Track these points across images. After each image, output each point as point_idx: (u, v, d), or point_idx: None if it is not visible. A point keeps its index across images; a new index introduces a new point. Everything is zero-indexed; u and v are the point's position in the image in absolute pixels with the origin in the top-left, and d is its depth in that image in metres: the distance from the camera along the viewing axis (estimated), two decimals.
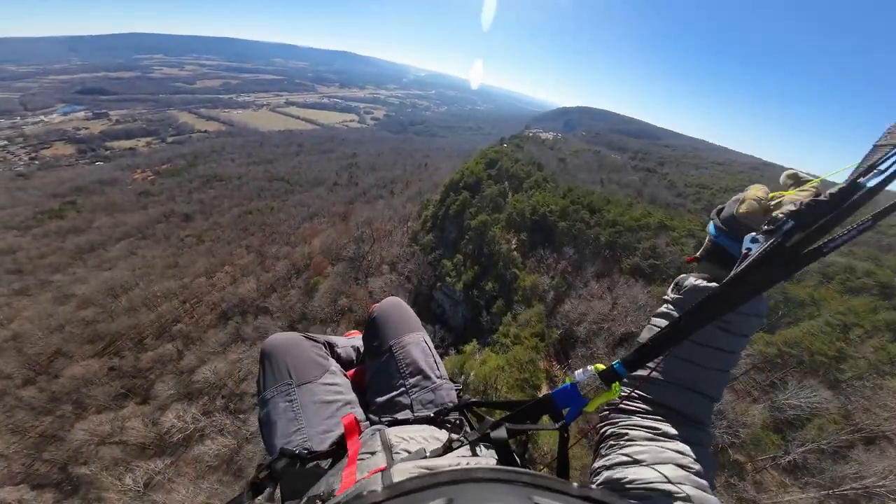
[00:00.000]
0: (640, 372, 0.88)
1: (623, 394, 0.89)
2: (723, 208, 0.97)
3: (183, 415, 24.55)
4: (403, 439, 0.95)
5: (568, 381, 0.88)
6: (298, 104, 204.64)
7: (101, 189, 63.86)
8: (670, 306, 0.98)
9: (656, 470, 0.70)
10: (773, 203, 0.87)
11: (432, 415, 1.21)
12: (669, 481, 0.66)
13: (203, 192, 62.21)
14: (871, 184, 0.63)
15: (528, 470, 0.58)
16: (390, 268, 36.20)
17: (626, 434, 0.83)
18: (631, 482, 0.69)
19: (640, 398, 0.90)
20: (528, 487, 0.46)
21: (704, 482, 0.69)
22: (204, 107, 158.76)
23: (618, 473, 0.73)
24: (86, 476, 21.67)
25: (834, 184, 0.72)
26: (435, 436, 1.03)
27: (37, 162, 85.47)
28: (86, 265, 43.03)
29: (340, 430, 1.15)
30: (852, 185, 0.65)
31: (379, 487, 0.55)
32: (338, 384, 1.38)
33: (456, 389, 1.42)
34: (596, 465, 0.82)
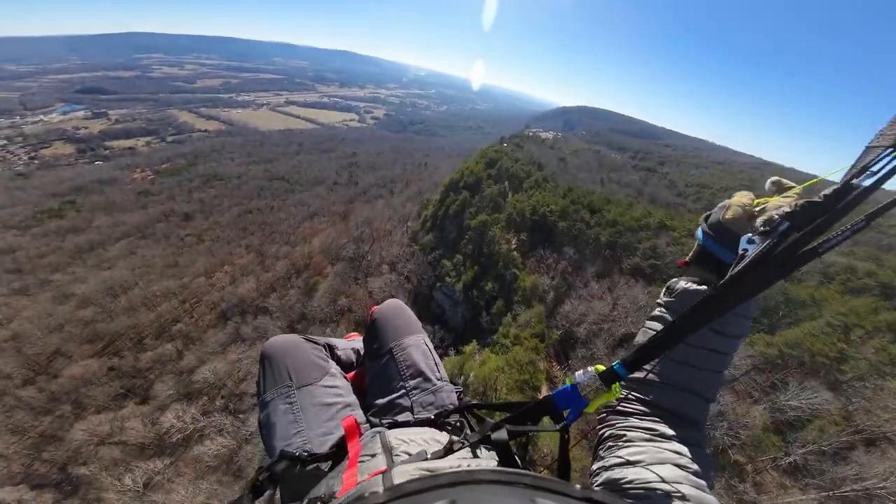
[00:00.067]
0: (636, 374, 0.90)
1: (620, 396, 0.90)
2: (710, 214, 1.00)
3: (182, 415, 24.53)
4: (404, 441, 0.95)
5: (568, 383, 0.89)
6: (298, 103, 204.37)
7: (101, 188, 63.81)
8: (663, 309, 1.00)
9: (654, 470, 0.70)
10: (756, 209, 0.88)
11: (433, 417, 1.21)
12: (667, 481, 0.67)
13: (203, 191, 62.16)
14: (865, 185, 0.65)
15: (529, 471, 0.58)
16: (390, 268, 36.15)
17: (624, 435, 0.84)
18: (630, 482, 0.70)
19: (637, 400, 0.92)
20: (530, 489, 0.46)
21: (702, 482, 0.70)
22: (204, 106, 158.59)
23: (616, 474, 0.73)
24: (85, 476, 21.66)
25: (833, 183, 0.73)
26: (435, 438, 1.03)
27: (36, 161, 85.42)
28: (85, 265, 43.01)
29: (340, 433, 1.14)
30: (846, 187, 0.66)
31: (380, 489, 0.55)
32: (338, 386, 1.37)
33: (456, 391, 1.42)
34: (595, 466, 0.83)
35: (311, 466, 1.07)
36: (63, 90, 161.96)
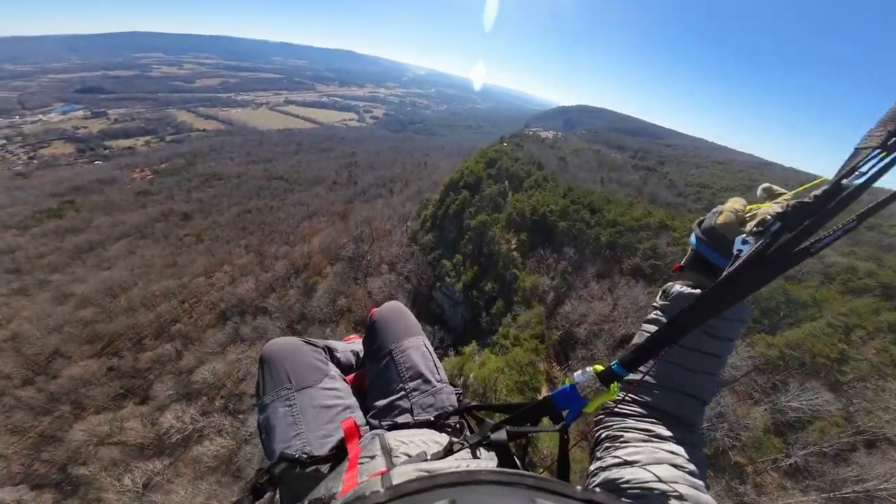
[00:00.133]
0: (632, 376, 0.92)
1: (618, 397, 0.92)
2: (703, 219, 1.02)
3: (182, 415, 24.50)
4: (403, 443, 0.95)
5: (567, 383, 0.90)
6: (297, 103, 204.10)
7: (100, 188, 63.73)
8: (659, 312, 1.01)
9: (651, 470, 0.71)
10: (748, 215, 0.90)
11: (432, 419, 1.21)
12: (665, 481, 0.68)
13: (202, 191, 62.06)
14: (854, 185, 0.66)
15: (531, 472, 0.58)
16: (389, 268, 36.08)
17: (621, 436, 0.85)
18: (627, 482, 0.71)
19: (634, 402, 0.93)
20: (531, 490, 0.46)
21: (700, 482, 0.70)
22: (203, 105, 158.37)
23: (614, 474, 0.74)
24: (85, 476, 21.64)
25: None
26: (435, 439, 1.03)
27: (35, 161, 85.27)
28: (84, 265, 42.95)
29: (340, 435, 1.15)
30: (836, 187, 0.67)
31: (381, 489, 0.55)
32: (337, 389, 1.38)
33: (456, 393, 1.43)
34: (592, 467, 0.83)
35: (310, 468, 1.08)
36: (62, 90, 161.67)
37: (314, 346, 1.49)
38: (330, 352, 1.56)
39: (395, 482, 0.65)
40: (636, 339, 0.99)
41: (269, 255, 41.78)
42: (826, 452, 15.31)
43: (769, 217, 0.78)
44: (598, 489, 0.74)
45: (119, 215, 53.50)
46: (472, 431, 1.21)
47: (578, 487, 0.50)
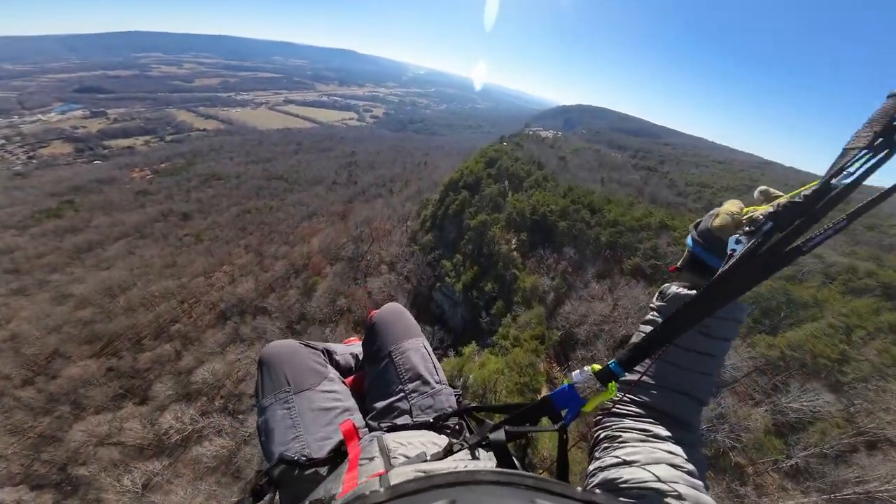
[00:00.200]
0: (630, 376, 0.93)
1: (616, 397, 0.92)
2: (700, 222, 1.03)
3: (181, 416, 24.48)
4: (402, 444, 0.96)
5: (566, 383, 0.90)
6: (297, 102, 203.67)
7: (99, 188, 63.58)
8: (656, 314, 1.02)
9: (650, 470, 0.71)
10: (745, 218, 0.91)
11: (431, 420, 1.22)
12: (663, 480, 0.68)
13: (201, 190, 61.94)
14: (843, 185, 0.67)
15: (530, 473, 0.59)
16: (389, 268, 36.03)
17: (620, 437, 0.85)
18: (626, 482, 0.71)
19: (632, 401, 0.93)
20: (531, 490, 0.46)
21: (699, 482, 0.71)
22: (202, 105, 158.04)
23: (612, 474, 0.75)
24: (84, 477, 21.62)
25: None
26: (434, 441, 1.04)
27: (34, 161, 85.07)
28: (84, 265, 42.86)
29: (339, 437, 1.16)
30: (825, 187, 0.68)
31: (381, 489, 0.55)
32: (336, 391, 1.38)
33: (455, 395, 1.44)
34: (591, 467, 0.84)
35: (309, 471, 1.09)
36: (61, 89, 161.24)
37: (313, 348, 1.49)
38: (329, 354, 1.56)
39: (392, 483, 0.64)
40: (633, 340, 0.99)
41: (268, 255, 41.73)
42: (827, 454, 15.25)
43: (760, 217, 0.79)
44: (597, 489, 0.74)
45: (118, 215, 53.39)
46: (471, 433, 1.20)
47: (578, 488, 0.50)
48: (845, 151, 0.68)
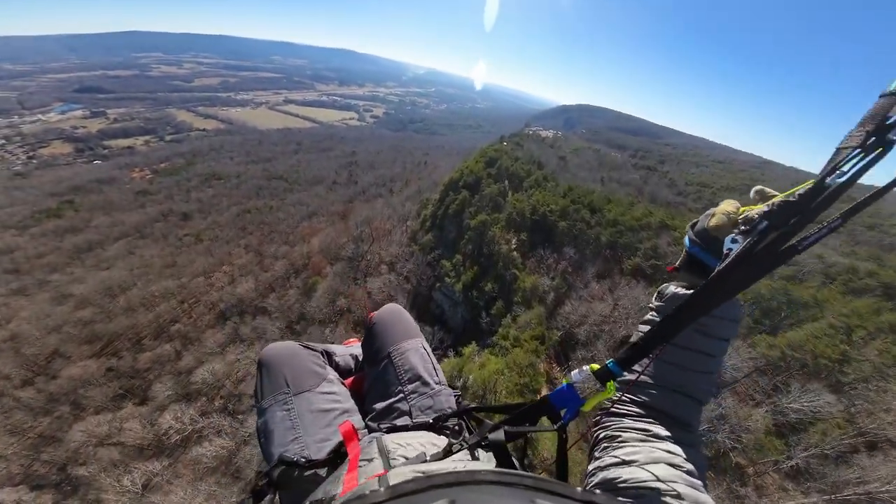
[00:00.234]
0: (628, 376, 0.94)
1: (615, 397, 0.93)
2: (696, 222, 1.03)
3: (181, 416, 24.47)
4: (401, 445, 0.96)
5: (565, 383, 0.90)
6: (297, 102, 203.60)
7: (99, 188, 63.57)
8: (654, 313, 1.03)
9: (649, 469, 0.72)
10: (741, 217, 0.91)
11: (431, 421, 1.21)
12: (662, 480, 0.68)
13: (201, 190, 61.92)
14: (836, 184, 0.68)
15: (530, 473, 0.59)
16: (389, 268, 36.00)
17: (619, 436, 0.85)
18: (625, 482, 0.71)
19: (631, 401, 0.93)
20: (531, 490, 0.46)
21: (698, 481, 0.71)
22: (202, 105, 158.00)
23: (612, 474, 0.75)
24: (84, 477, 21.61)
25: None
26: (433, 442, 1.04)
27: (34, 161, 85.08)
28: (83, 265, 42.85)
29: (338, 439, 1.16)
30: (819, 186, 0.69)
31: (380, 489, 0.55)
32: (335, 393, 1.38)
33: (455, 395, 1.44)
34: (590, 467, 0.84)
35: (308, 472, 1.09)
36: (61, 89, 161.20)
37: (312, 350, 1.49)
38: (328, 356, 1.56)
39: (392, 483, 0.62)
40: (632, 340, 0.99)
41: (268, 255, 41.71)
42: (827, 454, 15.24)
43: (756, 216, 0.80)
44: (596, 489, 0.75)
45: (118, 215, 53.38)
46: (471, 433, 1.20)
47: (578, 488, 0.50)
48: (838, 151, 0.69)
